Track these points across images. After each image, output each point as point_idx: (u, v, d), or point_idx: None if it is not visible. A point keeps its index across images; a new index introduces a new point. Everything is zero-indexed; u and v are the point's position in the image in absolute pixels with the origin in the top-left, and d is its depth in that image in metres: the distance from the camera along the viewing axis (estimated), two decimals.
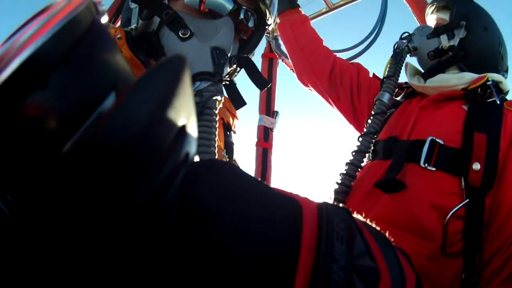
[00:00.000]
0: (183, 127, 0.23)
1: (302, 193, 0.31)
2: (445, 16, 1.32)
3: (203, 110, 0.60)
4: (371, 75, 1.51)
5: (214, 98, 0.62)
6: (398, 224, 1.02)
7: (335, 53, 1.63)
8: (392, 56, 1.31)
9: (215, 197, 0.27)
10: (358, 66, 1.53)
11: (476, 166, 1.00)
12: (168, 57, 0.23)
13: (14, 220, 0.22)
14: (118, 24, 0.73)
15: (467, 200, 0.99)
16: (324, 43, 1.59)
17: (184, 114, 0.23)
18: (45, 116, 0.20)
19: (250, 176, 0.30)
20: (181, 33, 0.64)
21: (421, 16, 1.77)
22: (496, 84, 1.16)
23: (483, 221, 1.00)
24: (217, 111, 0.63)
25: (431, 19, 1.39)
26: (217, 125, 0.62)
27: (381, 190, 1.08)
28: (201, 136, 0.59)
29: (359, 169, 1.16)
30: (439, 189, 1.03)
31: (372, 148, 1.21)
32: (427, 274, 0.99)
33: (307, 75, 1.57)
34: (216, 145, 0.61)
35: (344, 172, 1.16)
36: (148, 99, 0.20)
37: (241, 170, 0.30)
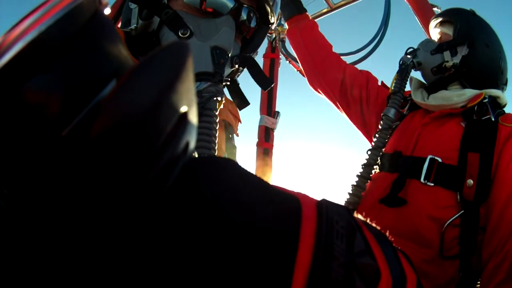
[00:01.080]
0: (185, 114, 0.23)
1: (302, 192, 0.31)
2: (449, 31, 1.35)
3: (203, 111, 0.59)
4: (379, 83, 1.54)
5: (214, 98, 0.60)
6: (399, 233, 1.14)
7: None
8: (397, 72, 1.35)
9: (217, 188, 0.26)
10: (367, 75, 1.55)
11: (470, 182, 1.11)
12: (170, 42, 0.23)
13: (9, 212, 0.22)
14: (119, 25, 0.73)
15: (462, 211, 1.11)
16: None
17: (186, 102, 0.23)
18: (45, 101, 0.20)
19: (250, 172, 0.30)
20: (181, 33, 0.63)
21: (421, 16, 1.77)
22: (494, 99, 1.24)
23: (478, 226, 1.10)
24: (217, 112, 0.61)
25: (435, 33, 1.42)
26: (217, 127, 0.61)
27: (385, 205, 1.20)
28: (201, 138, 0.58)
29: (369, 181, 1.23)
30: (437, 202, 1.13)
31: (379, 161, 1.28)
32: (426, 274, 1.09)
33: (318, 83, 1.60)
34: (216, 147, 0.60)
35: (355, 183, 1.24)
36: (150, 81, 0.20)
37: (241, 166, 0.30)
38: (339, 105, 1.57)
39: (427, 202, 1.14)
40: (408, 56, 1.36)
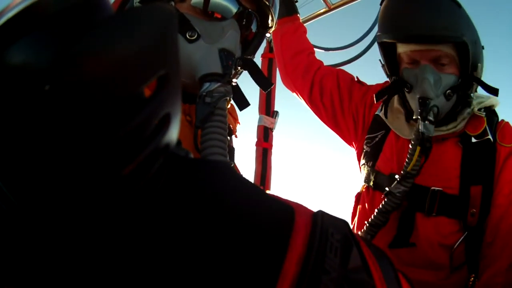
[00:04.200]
0: (165, 76, 0.23)
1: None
2: (448, 49, 1.12)
3: (214, 110, 0.61)
4: (355, 79, 1.49)
5: (224, 98, 0.62)
6: (413, 263, 1.17)
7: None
8: (414, 144, 1.12)
9: (213, 190, 0.26)
10: (338, 74, 1.49)
11: (473, 211, 1.14)
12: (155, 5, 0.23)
13: (5, 209, 0.22)
14: None
15: (466, 233, 1.15)
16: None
17: (167, 65, 0.23)
18: (34, 58, 0.20)
19: (246, 178, 0.30)
20: (188, 35, 0.64)
21: None
22: (488, 108, 1.21)
23: (482, 240, 1.15)
24: (225, 112, 0.63)
25: (424, 53, 1.15)
26: (227, 125, 0.63)
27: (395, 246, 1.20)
28: (214, 137, 0.60)
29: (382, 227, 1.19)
30: (443, 231, 1.17)
31: (373, 179, 1.27)
32: (441, 286, 1.16)
33: (290, 88, 1.61)
34: (227, 144, 0.62)
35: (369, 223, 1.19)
36: (126, 33, 0.20)
37: (235, 171, 0.30)
38: (310, 108, 1.55)
39: (434, 232, 1.17)
40: (423, 122, 1.06)
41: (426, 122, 1.05)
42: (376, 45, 1.29)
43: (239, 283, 0.23)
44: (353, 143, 1.47)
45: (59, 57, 0.19)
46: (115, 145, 0.21)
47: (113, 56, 0.19)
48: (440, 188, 1.16)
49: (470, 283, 1.14)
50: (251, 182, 0.29)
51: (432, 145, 1.09)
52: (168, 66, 0.23)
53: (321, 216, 0.28)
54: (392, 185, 1.14)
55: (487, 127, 1.17)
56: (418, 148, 1.07)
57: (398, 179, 1.14)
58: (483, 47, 1.21)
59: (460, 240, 1.15)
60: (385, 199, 1.15)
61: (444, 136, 1.20)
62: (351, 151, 1.50)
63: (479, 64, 1.16)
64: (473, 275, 1.14)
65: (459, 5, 1.15)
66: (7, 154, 0.20)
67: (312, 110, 1.54)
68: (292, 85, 1.57)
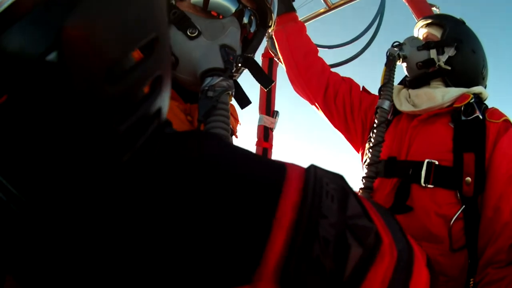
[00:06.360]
0: (155, 41, 0.24)
1: None
2: (436, 33, 1.43)
3: (217, 104, 0.60)
4: (361, 89, 1.58)
5: (226, 92, 0.62)
6: (411, 234, 1.12)
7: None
8: (385, 65, 1.41)
9: (211, 151, 0.27)
10: (350, 82, 1.59)
11: (468, 180, 1.21)
12: None
13: (12, 206, 0.22)
14: None
15: (463, 206, 1.20)
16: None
17: (157, 27, 0.24)
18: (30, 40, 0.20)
19: (237, 145, 0.30)
20: (189, 32, 0.64)
21: (420, 16, 1.77)
22: (477, 95, 1.34)
23: (480, 217, 1.19)
24: (228, 106, 0.63)
25: (421, 32, 1.50)
26: (230, 119, 0.63)
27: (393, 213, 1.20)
28: (218, 132, 0.59)
29: (375, 180, 1.28)
30: (440, 201, 1.22)
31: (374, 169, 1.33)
32: (442, 267, 1.18)
33: (302, 90, 1.62)
34: (231, 140, 0.62)
35: (362, 186, 1.28)
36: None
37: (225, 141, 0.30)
38: (321, 112, 1.59)
39: (431, 202, 1.22)
40: (395, 49, 1.43)
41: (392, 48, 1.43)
42: (371, 47, 1.39)
43: (231, 234, 0.22)
44: (360, 148, 1.53)
45: (53, 30, 0.19)
46: (112, 103, 0.21)
47: (108, 20, 0.20)
48: (435, 160, 1.24)
49: (471, 285, 1.15)
50: (241, 147, 0.29)
51: (423, 122, 1.32)
52: (159, 29, 0.24)
53: (314, 168, 0.27)
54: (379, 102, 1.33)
55: (475, 105, 1.28)
56: (385, 68, 1.39)
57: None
58: (473, 51, 1.41)
59: (458, 213, 1.18)
60: (376, 115, 1.32)
61: (436, 112, 1.32)
62: (350, 152, 1.53)
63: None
64: (472, 279, 1.15)
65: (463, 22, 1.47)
66: (9, 147, 0.20)
67: (324, 112, 1.57)
68: (305, 86, 1.58)
